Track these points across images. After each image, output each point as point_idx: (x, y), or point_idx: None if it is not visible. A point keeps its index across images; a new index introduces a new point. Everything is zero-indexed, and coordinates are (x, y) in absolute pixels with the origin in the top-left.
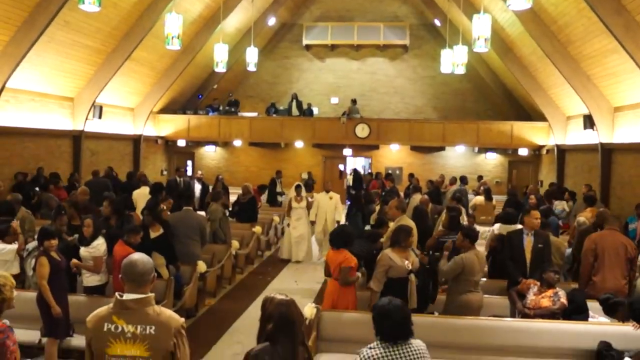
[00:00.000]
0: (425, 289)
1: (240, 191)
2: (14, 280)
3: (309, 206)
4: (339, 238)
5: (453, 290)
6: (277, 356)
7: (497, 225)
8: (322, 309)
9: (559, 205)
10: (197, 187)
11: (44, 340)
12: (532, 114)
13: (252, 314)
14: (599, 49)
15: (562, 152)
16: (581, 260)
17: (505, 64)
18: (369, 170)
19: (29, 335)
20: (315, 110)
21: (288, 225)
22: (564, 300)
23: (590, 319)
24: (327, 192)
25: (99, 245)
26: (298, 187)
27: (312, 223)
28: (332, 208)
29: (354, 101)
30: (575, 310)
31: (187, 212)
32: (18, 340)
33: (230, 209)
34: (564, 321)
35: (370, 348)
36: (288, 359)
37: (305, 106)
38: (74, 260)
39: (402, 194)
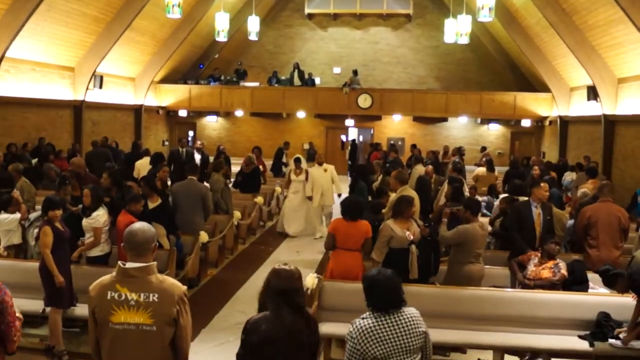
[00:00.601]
0: (426, 261)
1: (242, 162)
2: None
3: (308, 179)
4: (356, 208)
5: (454, 261)
6: (274, 325)
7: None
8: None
9: (568, 176)
10: (197, 157)
11: (48, 309)
12: (535, 85)
13: (254, 283)
14: (604, 19)
15: (565, 123)
16: (574, 232)
17: (510, 34)
18: (371, 142)
19: (33, 305)
20: (317, 80)
21: (285, 197)
22: (564, 271)
23: (590, 290)
24: (320, 164)
25: (99, 216)
26: (297, 160)
27: (310, 198)
28: (328, 181)
29: (354, 72)
30: (575, 281)
31: (190, 181)
32: (21, 310)
33: (232, 179)
34: (564, 292)
35: (363, 318)
36: (286, 328)
37: (314, 76)
38: (74, 255)
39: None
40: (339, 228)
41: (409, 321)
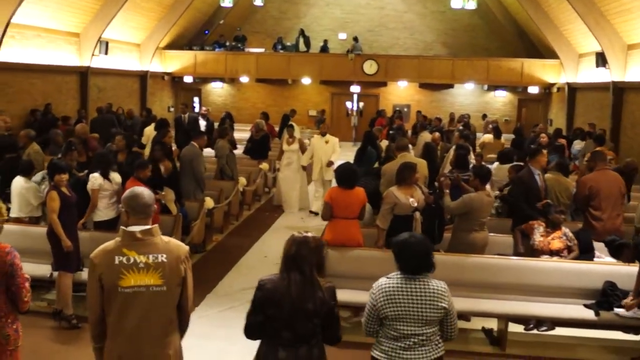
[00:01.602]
0: (430, 229)
1: (247, 128)
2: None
3: (302, 148)
4: (351, 176)
5: (458, 228)
6: (278, 286)
7: (495, 164)
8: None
9: (577, 145)
10: (202, 124)
11: (55, 274)
12: (543, 51)
13: (259, 249)
14: None
15: (573, 90)
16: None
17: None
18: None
19: (40, 269)
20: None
21: (278, 170)
22: (576, 251)
23: (595, 259)
24: (323, 135)
25: (94, 178)
26: (290, 127)
27: (304, 168)
28: (329, 153)
29: (355, 39)
30: (581, 250)
31: (190, 147)
32: (29, 274)
33: (237, 146)
34: (570, 260)
35: (388, 277)
36: (290, 292)
37: (317, 42)
38: (81, 222)
39: (409, 131)
40: (335, 197)
41: (432, 292)
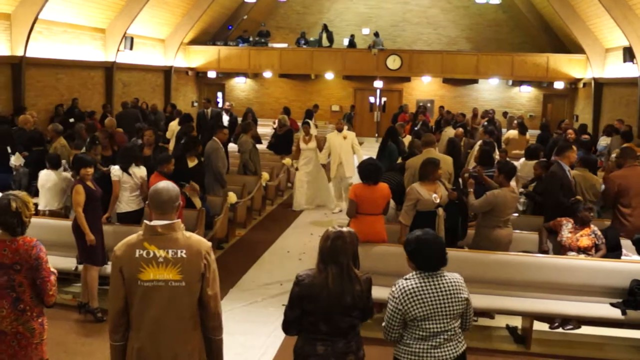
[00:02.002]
0: (454, 225)
1: (270, 123)
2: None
3: (320, 146)
4: (375, 171)
5: (482, 225)
6: (317, 281)
7: (522, 160)
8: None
9: (603, 141)
10: (225, 119)
11: (80, 267)
12: (569, 46)
13: (282, 244)
14: None
15: (600, 85)
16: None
17: None
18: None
19: (65, 262)
20: (346, 42)
21: (296, 169)
22: (604, 250)
23: (623, 257)
24: (340, 131)
25: (114, 169)
26: (305, 124)
27: (323, 167)
28: (348, 149)
29: (376, 34)
30: (608, 248)
31: (212, 142)
32: (55, 267)
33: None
34: (596, 258)
35: (406, 279)
36: (328, 287)
37: (340, 37)
38: (105, 216)
39: (432, 127)
40: (360, 194)
41: (452, 286)
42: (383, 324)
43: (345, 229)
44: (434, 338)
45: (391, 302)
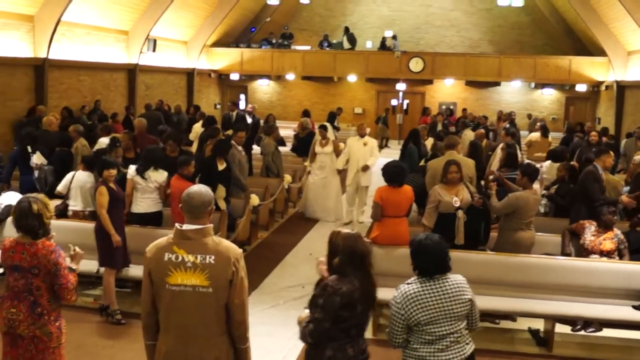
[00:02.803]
0: (476, 230)
1: (292, 125)
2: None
3: (337, 151)
4: (400, 173)
5: (504, 227)
6: (354, 288)
7: (547, 163)
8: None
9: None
10: (248, 121)
11: (102, 270)
12: (591, 49)
13: (304, 247)
14: None
15: (622, 88)
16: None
17: None
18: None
19: (87, 265)
20: (369, 44)
21: (309, 173)
22: (627, 256)
23: None
24: (362, 136)
25: (130, 169)
26: (323, 128)
27: (339, 172)
28: (367, 156)
29: (394, 37)
30: (631, 250)
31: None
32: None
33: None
34: (618, 261)
35: (408, 283)
36: (357, 290)
37: (363, 40)
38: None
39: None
40: (386, 197)
41: (455, 287)
42: (387, 329)
43: (355, 231)
44: (440, 341)
45: (393, 307)
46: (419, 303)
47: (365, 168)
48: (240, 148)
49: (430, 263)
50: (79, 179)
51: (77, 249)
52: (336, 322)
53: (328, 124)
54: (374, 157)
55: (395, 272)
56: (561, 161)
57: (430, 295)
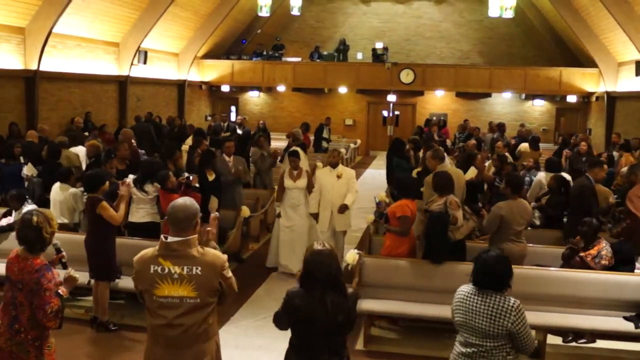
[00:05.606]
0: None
1: (283, 137)
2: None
3: (310, 186)
4: (413, 186)
5: (494, 240)
6: (307, 301)
7: (542, 174)
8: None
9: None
10: (238, 132)
11: (92, 281)
12: (582, 60)
13: None
14: None
15: (613, 99)
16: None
17: (556, 8)
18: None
19: (79, 276)
20: (359, 55)
21: (278, 216)
22: (605, 261)
23: (636, 270)
24: (334, 167)
25: (129, 178)
26: (293, 154)
27: (315, 217)
28: (342, 193)
29: (385, 48)
30: (621, 261)
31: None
32: None
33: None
34: (610, 272)
35: (466, 285)
36: (316, 305)
37: (354, 51)
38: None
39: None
40: (414, 210)
41: (495, 308)
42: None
43: (326, 247)
44: (468, 347)
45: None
46: (459, 304)
47: (343, 209)
48: (228, 158)
49: (477, 275)
50: (53, 190)
51: (72, 273)
52: (297, 337)
53: (299, 150)
54: (352, 193)
55: (387, 283)
56: (557, 171)
57: (468, 303)
